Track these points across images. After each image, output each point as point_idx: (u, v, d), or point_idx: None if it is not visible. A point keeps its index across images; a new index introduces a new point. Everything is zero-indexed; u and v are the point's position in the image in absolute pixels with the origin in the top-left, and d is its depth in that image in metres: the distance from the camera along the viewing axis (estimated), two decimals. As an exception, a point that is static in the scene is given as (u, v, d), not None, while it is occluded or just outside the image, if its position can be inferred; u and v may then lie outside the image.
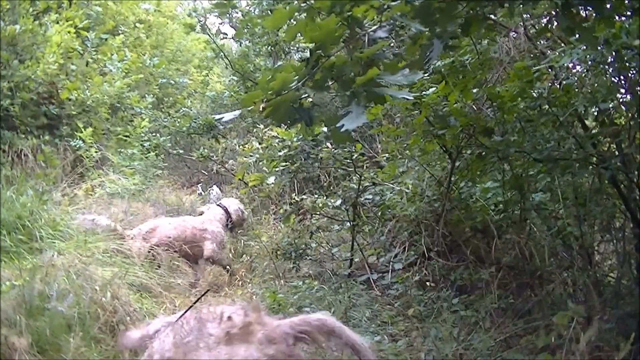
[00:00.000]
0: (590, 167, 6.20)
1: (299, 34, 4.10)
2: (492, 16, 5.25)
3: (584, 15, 4.97)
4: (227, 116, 4.06)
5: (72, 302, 6.18)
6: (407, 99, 4.62)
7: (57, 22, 13.04)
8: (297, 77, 3.70)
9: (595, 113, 6.48)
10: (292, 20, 4.70)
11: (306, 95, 3.83)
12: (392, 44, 7.08)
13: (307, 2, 3.74)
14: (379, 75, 3.57)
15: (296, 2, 4.05)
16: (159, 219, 9.79)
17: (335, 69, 3.73)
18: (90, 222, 8.82)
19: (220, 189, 12.87)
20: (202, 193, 12.69)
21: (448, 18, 4.00)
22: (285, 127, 8.52)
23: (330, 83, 3.82)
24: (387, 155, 8.67)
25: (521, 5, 5.53)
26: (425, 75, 6.10)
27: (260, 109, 3.63)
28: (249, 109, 3.77)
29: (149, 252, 8.81)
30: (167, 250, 8.92)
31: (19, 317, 5.73)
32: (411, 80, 3.72)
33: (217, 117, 4.14)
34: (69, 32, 12.89)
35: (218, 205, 10.12)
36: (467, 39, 6.04)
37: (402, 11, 3.87)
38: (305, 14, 3.80)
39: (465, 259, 7.10)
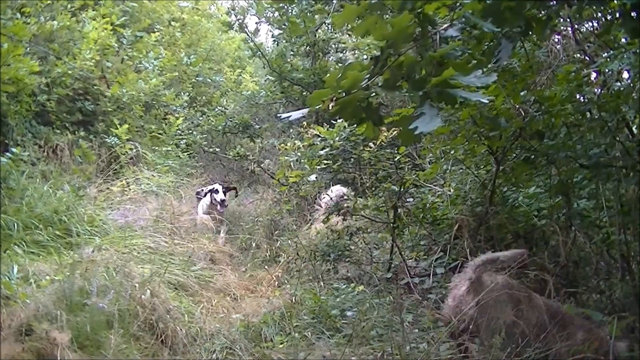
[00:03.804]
0: (636, 175, 6.07)
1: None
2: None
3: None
4: (295, 114, 3.96)
5: (112, 298, 6.14)
6: (482, 102, 4.52)
7: (94, 19, 13.03)
8: (368, 76, 3.61)
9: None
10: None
11: (374, 94, 3.74)
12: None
13: (379, -1, 3.65)
14: (452, 76, 3.46)
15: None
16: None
17: (405, 68, 3.62)
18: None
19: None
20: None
21: (517, 17, 3.90)
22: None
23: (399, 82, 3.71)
24: (430, 156, 8.54)
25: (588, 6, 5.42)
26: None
27: (329, 108, 3.54)
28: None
29: None
30: None
31: (60, 312, 5.68)
32: (485, 82, 3.60)
33: (284, 115, 4.01)
34: (105, 28, 12.88)
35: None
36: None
37: (473, 9, 3.78)
38: (375, 12, 3.69)
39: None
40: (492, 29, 3.80)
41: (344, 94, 3.59)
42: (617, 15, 6.25)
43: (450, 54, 3.68)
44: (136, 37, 14.95)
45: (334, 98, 3.55)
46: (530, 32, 4.41)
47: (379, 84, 3.70)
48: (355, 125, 8.31)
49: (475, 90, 3.64)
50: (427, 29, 3.70)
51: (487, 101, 3.94)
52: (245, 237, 10.55)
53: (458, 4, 3.81)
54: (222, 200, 11.08)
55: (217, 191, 11.18)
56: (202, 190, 11.62)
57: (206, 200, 11.42)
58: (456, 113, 6.83)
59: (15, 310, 5.67)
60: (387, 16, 3.77)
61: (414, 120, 3.44)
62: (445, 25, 3.77)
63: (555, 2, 4.34)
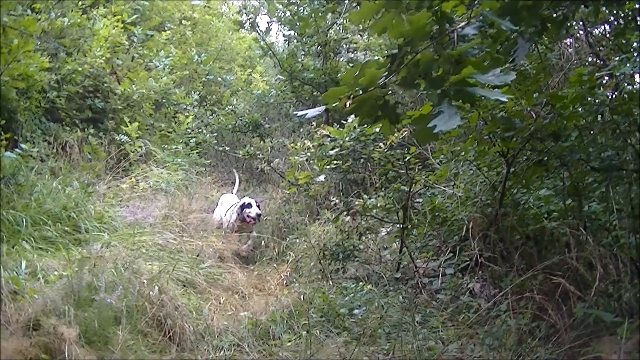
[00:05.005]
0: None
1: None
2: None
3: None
4: (311, 112, 3.94)
5: (120, 294, 6.14)
6: (501, 101, 4.49)
7: (105, 17, 13.07)
8: (385, 74, 3.59)
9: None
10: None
11: (391, 92, 3.72)
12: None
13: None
14: (470, 75, 3.44)
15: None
16: None
17: (422, 66, 3.60)
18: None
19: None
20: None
21: (534, 16, 3.89)
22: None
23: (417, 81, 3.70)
24: (442, 156, 8.51)
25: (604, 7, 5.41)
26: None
27: (346, 105, 3.53)
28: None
29: None
30: None
31: (67, 308, 5.68)
32: (503, 81, 3.57)
33: (300, 113, 4.01)
34: (116, 26, 12.91)
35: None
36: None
37: (491, 7, 3.76)
38: (392, 9, 3.67)
39: (516, 266, 6.95)
40: (509, 27, 3.78)
41: (360, 92, 3.57)
42: (630, 18, 6.26)
43: (468, 52, 3.65)
44: (147, 36, 15.01)
45: (351, 96, 3.54)
46: (544, 35, 4.41)
47: (396, 82, 3.68)
48: (365, 125, 8.32)
49: (493, 89, 3.62)
50: (445, 27, 3.68)
51: (506, 99, 3.93)
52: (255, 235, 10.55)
53: (476, 2, 3.80)
54: (258, 215, 10.54)
55: (249, 205, 10.63)
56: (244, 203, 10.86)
57: (231, 213, 10.81)
58: (467, 114, 6.82)
59: (23, 305, 5.68)
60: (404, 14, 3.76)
61: (432, 118, 3.43)
62: (463, 24, 3.75)
63: (571, 2, 4.32)
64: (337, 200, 9.08)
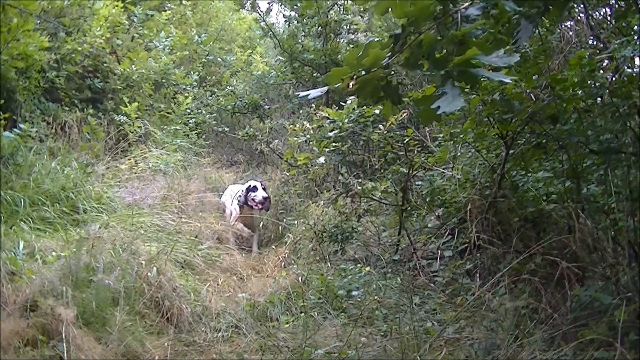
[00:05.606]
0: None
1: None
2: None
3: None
4: (314, 92, 3.93)
5: (118, 275, 6.14)
6: (505, 82, 4.46)
7: (105, -4, 13.01)
8: (389, 55, 3.58)
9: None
10: None
11: (394, 73, 3.71)
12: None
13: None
14: (474, 56, 3.42)
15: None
16: None
17: (425, 47, 3.59)
18: None
19: None
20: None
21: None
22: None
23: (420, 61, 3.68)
24: (440, 136, 8.49)
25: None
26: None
27: (348, 86, 3.52)
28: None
29: None
30: None
31: (65, 288, 5.69)
32: (507, 63, 3.55)
33: (302, 93, 4.00)
34: (116, 6, 12.84)
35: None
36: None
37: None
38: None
39: (514, 248, 6.94)
40: (513, 8, 3.76)
41: (363, 73, 3.56)
42: (631, 1, 6.24)
43: (472, 33, 3.63)
44: (147, 15, 14.95)
45: (354, 76, 3.52)
46: (545, 16, 4.39)
47: (400, 63, 3.67)
48: (364, 107, 8.31)
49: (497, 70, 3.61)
50: (449, 8, 3.66)
51: (509, 81, 3.90)
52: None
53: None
54: (265, 198, 9.88)
55: (255, 188, 9.99)
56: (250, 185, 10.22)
57: (235, 200, 10.33)
58: (467, 97, 6.80)
59: (20, 286, 5.68)
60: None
61: (436, 99, 3.42)
62: (466, 4, 3.73)
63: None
64: (346, 175, 9.01)
